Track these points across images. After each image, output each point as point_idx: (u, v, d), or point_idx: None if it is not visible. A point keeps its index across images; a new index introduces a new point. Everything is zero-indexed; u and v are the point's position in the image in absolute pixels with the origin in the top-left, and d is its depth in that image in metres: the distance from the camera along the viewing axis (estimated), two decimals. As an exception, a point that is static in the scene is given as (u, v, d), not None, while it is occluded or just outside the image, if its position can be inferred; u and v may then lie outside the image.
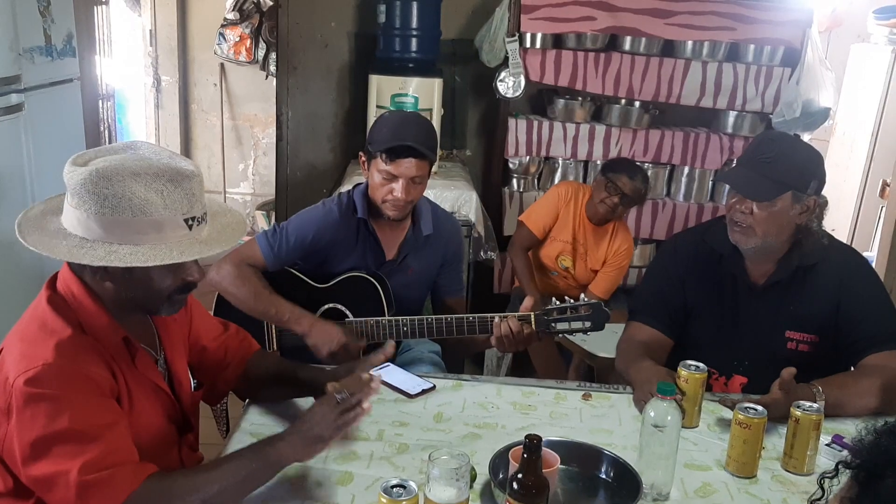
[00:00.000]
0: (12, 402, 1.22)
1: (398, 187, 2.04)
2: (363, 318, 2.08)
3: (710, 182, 3.95)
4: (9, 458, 1.26)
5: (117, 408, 1.29)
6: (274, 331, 2.17)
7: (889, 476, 0.85)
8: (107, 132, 4.72)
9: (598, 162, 3.84)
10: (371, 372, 1.47)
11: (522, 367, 3.26)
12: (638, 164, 3.33)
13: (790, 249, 1.88)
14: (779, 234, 1.84)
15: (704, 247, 1.99)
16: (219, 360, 1.63)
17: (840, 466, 0.94)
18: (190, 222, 1.27)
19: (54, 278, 1.35)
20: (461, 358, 2.59)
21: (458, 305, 2.30)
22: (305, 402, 1.71)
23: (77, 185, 1.22)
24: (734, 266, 1.94)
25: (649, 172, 3.87)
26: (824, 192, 1.87)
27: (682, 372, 1.69)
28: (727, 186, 3.85)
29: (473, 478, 1.42)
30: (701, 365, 1.71)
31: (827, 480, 1.00)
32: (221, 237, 1.33)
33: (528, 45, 3.68)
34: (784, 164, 1.78)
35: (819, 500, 1.00)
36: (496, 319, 1.94)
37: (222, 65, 5.43)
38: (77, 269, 1.33)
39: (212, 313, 2.12)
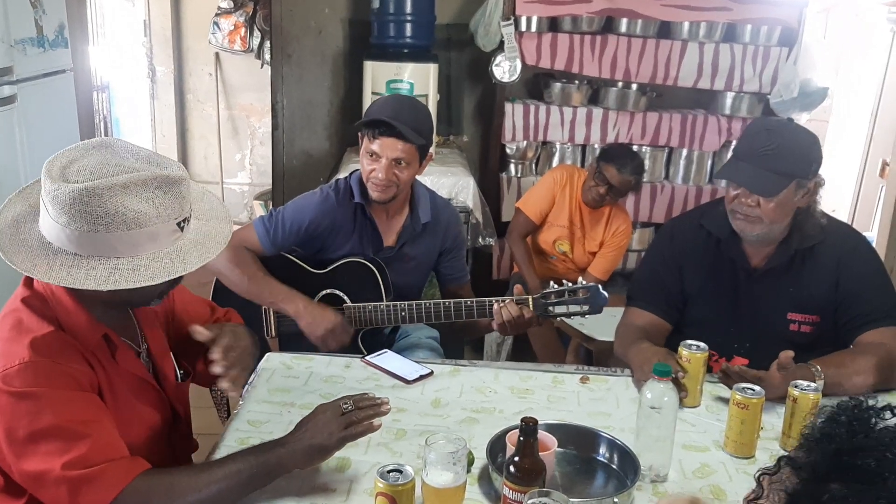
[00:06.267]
0: None
1: (379, 167, 2.03)
2: (361, 304, 2.08)
3: (709, 164, 3.94)
4: None
5: (100, 403, 1.28)
6: (273, 317, 2.16)
7: (834, 481, 0.82)
8: (102, 124, 4.71)
9: (596, 146, 3.82)
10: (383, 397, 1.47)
11: (522, 352, 3.26)
12: (634, 152, 3.28)
13: (790, 233, 1.87)
14: (783, 220, 1.84)
15: (701, 231, 1.98)
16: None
17: (782, 463, 0.89)
18: (181, 224, 1.26)
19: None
20: (462, 342, 2.59)
21: (465, 291, 2.30)
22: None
23: (64, 203, 1.16)
24: (732, 250, 1.93)
25: (647, 155, 3.86)
26: (822, 171, 1.86)
27: (684, 352, 1.69)
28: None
29: (471, 462, 1.42)
30: (702, 344, 1.70)
31: (767, 477, 0.92)
32: (210, 232, 1.32)
33: (523, 28, 3.65)
34: (786, 155, 1.76)
35: (758, 499, 0.91)
36: (495, 305, 1.94)
37: (217, 54, 5.40)
38: None
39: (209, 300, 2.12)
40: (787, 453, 0.91)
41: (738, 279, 1.94)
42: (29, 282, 1.31)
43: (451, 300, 2.03)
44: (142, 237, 1.20)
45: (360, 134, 2.11)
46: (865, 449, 0.83)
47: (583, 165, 3.82)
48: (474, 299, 2.02)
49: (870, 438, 0.84)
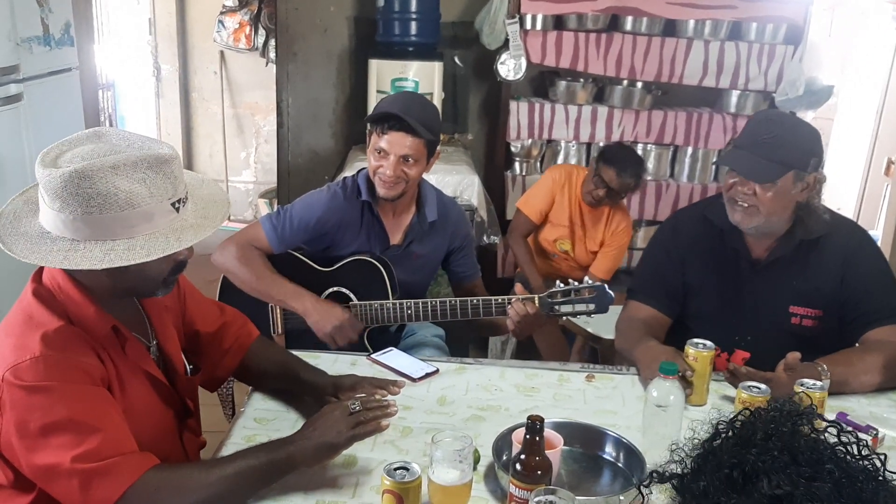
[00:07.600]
0: (3, 397, 1.21)
1: (387, 163, 2.04)
2: (367, 302, 2.08)
3: (714, 162, 3.93)
4: (7, 452, 1.26)
5: (111, 397, 1.29)
6: (280, 315, 2.17)
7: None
8: (107, 122, 4.72)
9: (601, 144, 3.82)
10: (389, 398, 1.49)
11: (527, 350, 3.26)
12: (634, 152, 3.24)
13: (792, 226, 1.88)
14: (781, 212, 1.83)
15: (705, 223, 1.97)
16: (215, 346, 1.62)
17: (653, 476, 1.02)
18: (177, 205, 1.26)
19: (40, 271, 1.33)
20: (467, 340, 2.59)
21: (479, 288, 2.31)
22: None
23: (57, 188, 1.18)
24: (735, 242, 1.93)
25: (652, 153, 3.85)
26: (826, 169, 1.86)
27: (690, 350, 1.69)
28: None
29: (477, 459, 1.43)
30: (708, 343, 1.71)
31: (644, 488, 1.07)
32: (209, 214, 1.32)
33: (528, 26, 3.66)
34: (785, 144, 1.77)
35: None
36: (509, 309, 1.94)
37: (222, 52, 5.40)
38: None
39: (216, 298, 2.12)
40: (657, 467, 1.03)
41: (740, 270, 1.94)
42: (38, 277, 1.33)
43: (458, 299, 2.03)
44: (136, 217, 1.21)
45: (368, 131, 2.11)
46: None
47: (587, 164, 3.82)
48: (480, 298, 2.02)
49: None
